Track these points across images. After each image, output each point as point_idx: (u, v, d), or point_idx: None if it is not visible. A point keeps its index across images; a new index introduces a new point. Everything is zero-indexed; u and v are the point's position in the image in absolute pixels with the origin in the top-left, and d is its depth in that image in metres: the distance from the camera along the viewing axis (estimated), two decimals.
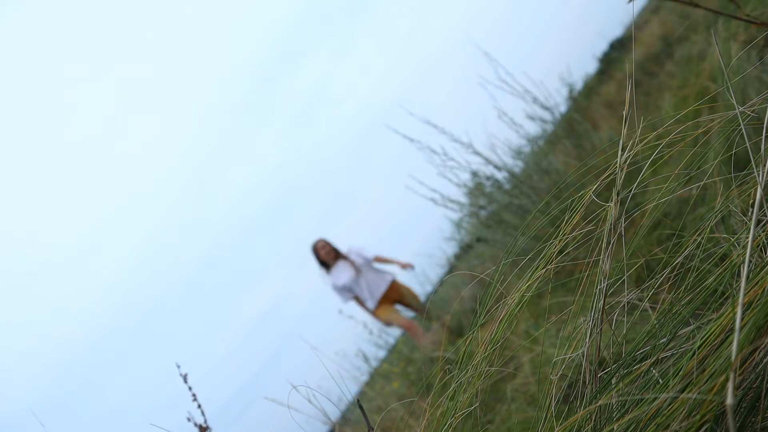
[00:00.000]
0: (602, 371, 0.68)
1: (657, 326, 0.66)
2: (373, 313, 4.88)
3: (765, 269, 0.54)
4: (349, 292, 4.87)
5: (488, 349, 0.71)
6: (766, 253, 0.64)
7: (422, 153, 3.04)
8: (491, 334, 0.72)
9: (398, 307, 4.96)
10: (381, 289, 4.85)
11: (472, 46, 3.09)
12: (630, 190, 0.71)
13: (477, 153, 3.05)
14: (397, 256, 4.94)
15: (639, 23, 7.29)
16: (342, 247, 5.02)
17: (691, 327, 0.62)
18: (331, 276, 4.85)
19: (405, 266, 4.93)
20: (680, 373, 0.52)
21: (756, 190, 0.58)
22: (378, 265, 4.98)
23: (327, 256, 4.82)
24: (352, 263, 4.81)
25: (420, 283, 5.78)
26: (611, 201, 0.69)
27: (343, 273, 4.79)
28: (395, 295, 4.90)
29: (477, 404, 0.72)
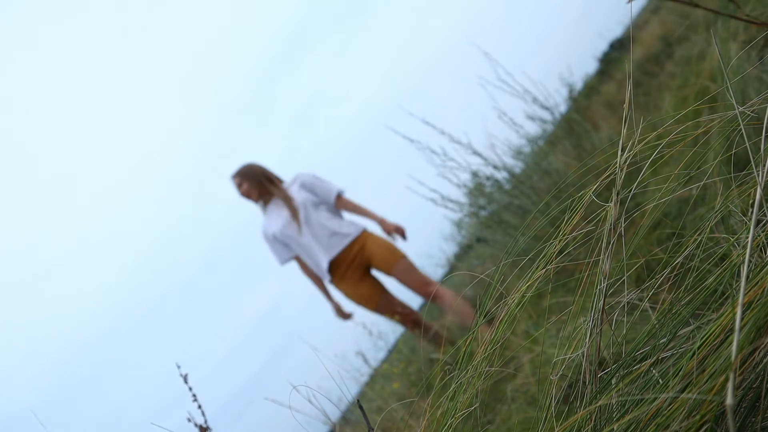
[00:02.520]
0: (602, 371, 0.68)
1: (657, 326, 0.66)
2: (335, 285, 2.96)
3: (765, 269, 0.54)
4: (285, 247, 2.94)
5: (488, 349, 0.71)
6: (766, 253, 0.64)
7: (422, 153, 3.04)
8: (491, 335, 0.72)
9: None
10: (339, 244, 2.85)
11: (472, 46, 3.09)
12: (630, 190, 0.71)
13: (477, 153, 3.05)
14: (384, 215, 3.04)
15: (639, 23, 7.29)
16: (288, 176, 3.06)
17: (691, 327, 0.62)
18: (264, 220, 3.00)
19: (391, 231, 2.96)
20: (680, 373, 0.52)
21: (756, 190, 0.58)
22: (346, 215, 3.03)
23: (248, 191, 2.95)
24: (288, 200, 2.86)
25: None
26: (611, 201, 0.69)
27: (274, 216, 2.91)
28: (368, 257, 2.90)
29: (477, 404, 0.72)
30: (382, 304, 3.02)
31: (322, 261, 2.87)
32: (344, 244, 2.91)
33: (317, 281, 3.05)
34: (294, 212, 2.86)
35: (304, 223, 2.86)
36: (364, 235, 2.98)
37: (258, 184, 2.97)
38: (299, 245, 2.91)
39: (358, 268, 2.96)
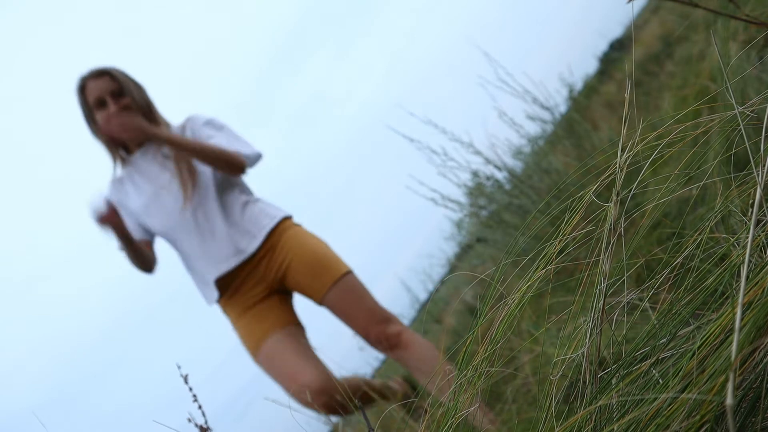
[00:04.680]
0: (602, 371, 0.68)
1: (657, 326, 0.66)
2: (225, 310, 1.81)
3: (765, 269, 0.54)
4: (140, 229, 1.78)
5: (488, 349, 0.71)
6: (766, 253, 0.64)
7: (422, 153, 3.04)
8: (491, 335, 0.72)
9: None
10: (248, 246, 1.72)
11: (472, 46, 3.09)
12: (630, 191, 0.71)
13: (477, 153, 3.05)
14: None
15: (639, 23, 7.29)
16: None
17: (691, 327, 0.62)
18: (115, 181, 1.80)
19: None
20: (680, 373, 0.52)
21: (756, 190, 0.58)
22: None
23: (129, 116, 1.63)
24: (180, 159, 1.74)
25: (421, 282, 5.72)
26: (611, 201, 0.69)
27: (143, 177, 1.75)
28: (285, 269, 1.75)
29: (477, 405, 0.72)
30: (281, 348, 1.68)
31: (208, 270, 1.73)
32: (253, 247, 1.73)
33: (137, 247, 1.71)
34: (187, 182, 1.69)
35: (204, 195, 1.72)
36: (284, 225, 1.78)
37: (145, 108, 1.74)
38: (177, 232, 1.73)
39: (262, 285, 1.77)
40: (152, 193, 1.75)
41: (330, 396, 1.60)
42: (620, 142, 0.71)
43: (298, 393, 1.62)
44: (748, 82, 1.58)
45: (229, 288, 1.78)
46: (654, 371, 0.60)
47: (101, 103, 1.71)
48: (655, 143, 0.70)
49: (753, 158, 0.62)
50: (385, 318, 1.74)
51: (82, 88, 1.72)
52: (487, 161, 3.08)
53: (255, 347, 1.73)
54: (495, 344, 0.71)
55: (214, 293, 1.76)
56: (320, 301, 1.78)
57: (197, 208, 1.73)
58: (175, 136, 1.70)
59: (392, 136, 2.99)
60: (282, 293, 1.83)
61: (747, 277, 0.51)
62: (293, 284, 1.79)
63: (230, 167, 1.72)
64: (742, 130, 0.66)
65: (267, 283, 1.78)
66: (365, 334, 1.73)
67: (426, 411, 0.77)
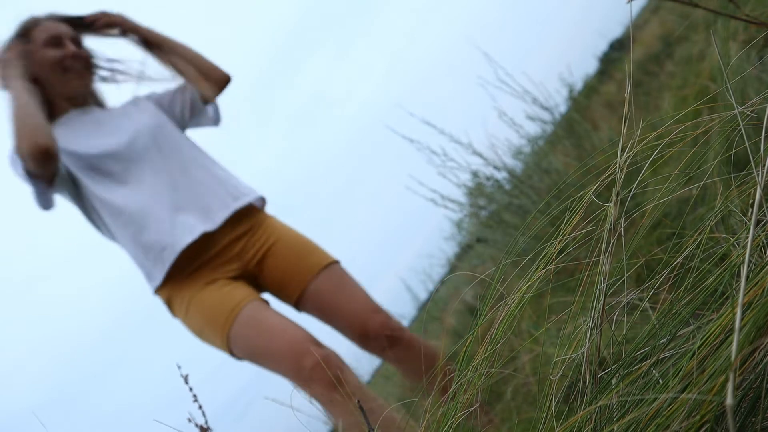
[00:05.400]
0: (602, 371, 0.68)
1: (657, 326, 0.66)
2: (172, 292, 1.48)
3: (765, 269, 0.54)
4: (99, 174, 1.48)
5: (488, 349, 0.71)
6: (766, 253, 0.64)
7: (422, 153, 3.04)
8: (491, 335, 0.72)
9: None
10: (232, 202, 1.51)
11: (472, 46, 3.09)
12: (630, 191, 0.71)
13: (477, 153, 3.05)
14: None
15: (639, 23, 7.30)
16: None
17: (691, 327, 0.62)
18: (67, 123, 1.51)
19: None
20: (680, 373, 0.52)
21: (756, 190, 0.58)
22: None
23: (87, 67, 1.54)
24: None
25: (421, 282, 5.72)
26: (611, 201, 0.69)
27: (93, 129, 1.50)
28: (260, 258, 1.52)
29: (477, 405, 0.72)
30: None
31: (195, 223, 1.45)
32: (246, 200, 1.55)
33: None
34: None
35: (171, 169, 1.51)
36: (264, 214, 1.62)
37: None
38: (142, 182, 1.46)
39: (235, 264, 1.51)
40: (129, 131, 1.54)
41: (326, 353, 1.37)
42: (620, 142, 0.71)
43: (287, 346, 1.37)
44: (748, 82, 1.58)
45: (193, 264, 1.48)
46: (654, 371, 0.60)
47: (56, 43, 1.45)
48: (655, 143, 0.70)
49: (753, 158, 0.62)
50: (384, 310, 1.56)
51: (34, 23, 1.46)
52: (487, 162, 3.09)
53: (230, 313, 1.41)
54: (495, 344, 0.71)
55: (167, 264, 1.46)
56: (302, 294, 1.53)
57: (172, 171, 1.52)
58: (155, 30, 1.65)
59: (392, 136, 2.99)
60: (252, 284, 1.57)
61: (747, 277, 0.51)
62: (272, 273, 1.55)
63: (214, 73, 1.67)
64: (742, 130, 0.66)
65: (241, 263, 1.53)
66: (362, 325, 1.51)
67: (426, 411, 0.77)
